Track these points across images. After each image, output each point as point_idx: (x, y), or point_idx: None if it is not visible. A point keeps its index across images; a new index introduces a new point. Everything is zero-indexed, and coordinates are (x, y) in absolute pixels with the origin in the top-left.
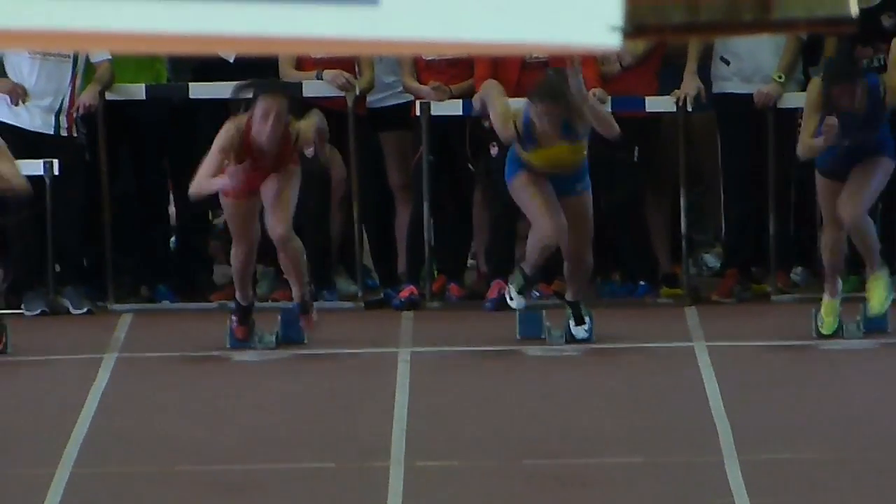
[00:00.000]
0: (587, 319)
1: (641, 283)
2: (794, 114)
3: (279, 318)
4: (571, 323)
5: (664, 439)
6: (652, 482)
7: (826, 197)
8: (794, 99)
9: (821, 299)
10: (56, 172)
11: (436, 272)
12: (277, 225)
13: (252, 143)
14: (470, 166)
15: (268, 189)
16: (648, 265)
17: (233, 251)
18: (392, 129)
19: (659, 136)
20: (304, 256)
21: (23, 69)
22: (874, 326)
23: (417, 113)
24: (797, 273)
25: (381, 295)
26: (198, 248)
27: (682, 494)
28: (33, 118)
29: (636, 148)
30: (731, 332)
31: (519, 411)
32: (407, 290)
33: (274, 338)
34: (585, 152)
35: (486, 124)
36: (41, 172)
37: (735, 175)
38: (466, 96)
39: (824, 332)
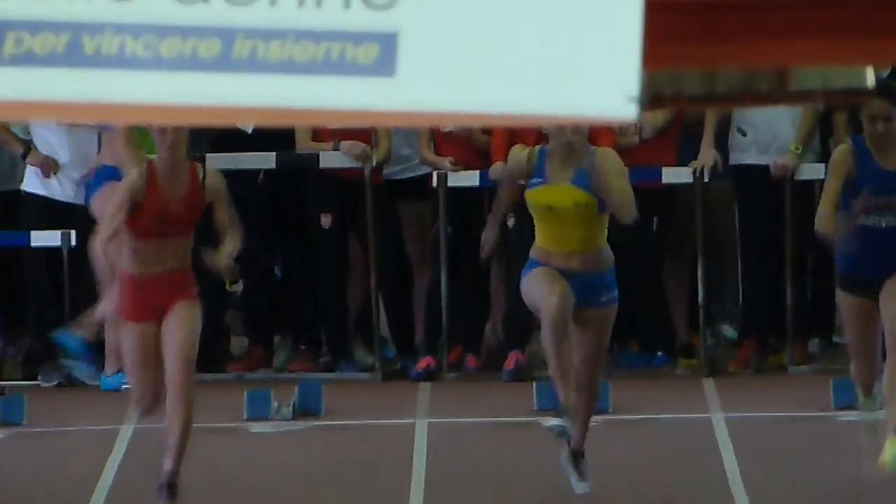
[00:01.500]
0: (588, 472)
1: (659, 353)
2: (812, 185)
3: (296, 389)
4: (573, 478)
5: None
6: None
7: (852, 316)
8: (811, 170)
9: (839, 372)
10: (73, 243)
11: (452, 343)
12: (179, 401)
13: (156, 184)
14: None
15: (169, 333)
16: (666, 335)
17: (134, 399)
18: (409, 198)
19: (677, 207)
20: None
21: (51, 140)
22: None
23: (435, 184)
24: (814, 344)
25: (399, 366)
26: (214, 319)
27: None
28: (65, 189)
29: (654, 218)
30: (747, 403)
31: (536, 482)
32: (424, 361)
33: (291, 409)
34: (605, 240)
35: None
36: (58, 243)
37: (752, 245)
38: (485, 167)
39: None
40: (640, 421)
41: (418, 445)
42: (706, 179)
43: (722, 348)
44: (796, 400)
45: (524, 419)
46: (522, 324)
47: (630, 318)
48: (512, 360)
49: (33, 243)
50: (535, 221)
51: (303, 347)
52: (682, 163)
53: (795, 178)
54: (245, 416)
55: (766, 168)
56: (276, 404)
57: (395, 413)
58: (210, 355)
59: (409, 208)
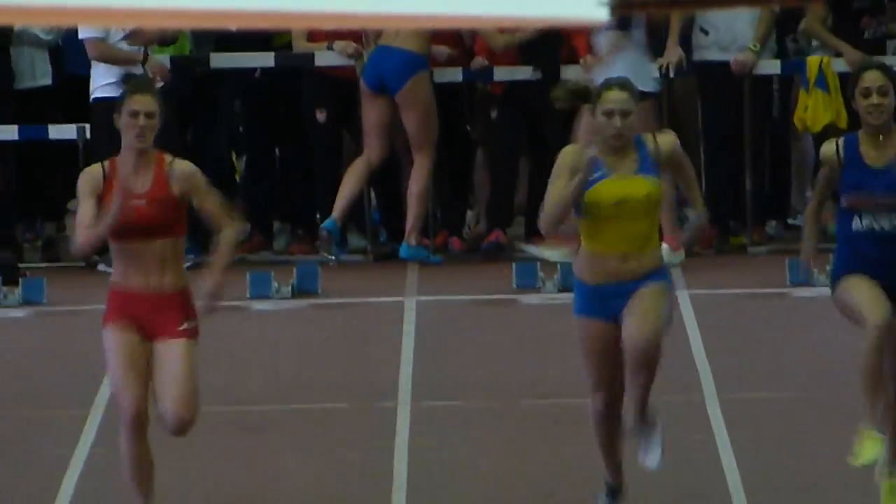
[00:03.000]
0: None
1: None
2: (770, 79)
3: (295, 270)
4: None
5: None
6: None
7: (859, 293)
8: (768, 66)
9: (794, 252)
10: (88, 136)
11: (438, 228)
12: (185, 411)
13: (117, 179)
14: (469, 128)
15: (164, 361)
16: None
17: (122, 433)
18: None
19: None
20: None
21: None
22: None
23: None
24: (771, 227)
25: (389, 249)
26: None
27: (667, 430)
28: None
29: None
30: (711, 281)
31: (516, 355)
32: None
33: (290, 289)
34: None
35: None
36: (75, 137)
37: (714, 136)
38: (466, 64)
39: (861, 461)
40: None
41: (407, 321)
42: (671, 75)
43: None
44: (755, 278)
45: (504, 296)
46: (504, 209)
47: None
48: (493, 235)
49: (51, 136)
50: (586, 224)
51: (300, 232)
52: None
53: (753, 73)
54: (248, 296)
55: (726, 64)
56: (276, 285)
57: (386, 292)
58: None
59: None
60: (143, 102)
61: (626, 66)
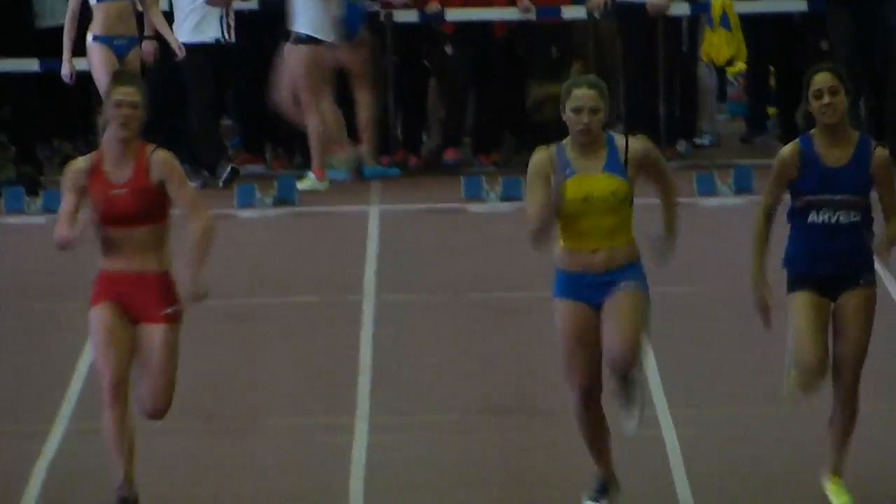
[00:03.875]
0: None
1: None
2: (679, 20)
3: (276, 183)
4: None
5: None
6: None
7: (804, 314)
8: (679, 8)
9: (702, 167)
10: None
11: (397, 147)
12: (160, 400)
13: (100, 168)
14: (426, 63)
15: (145, 347)
16: None
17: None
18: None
19: (572, 39)
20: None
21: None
22: (742, 187)
23: (382, 19)
24: (682, 145)
25: (356, 166)
26: (212, 131)
27: None
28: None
29: (553, 48)
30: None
31: (465, 256)
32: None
33: (272, 199)
34: (632, 236)
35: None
36: (86, 68)
37: (632, 69)
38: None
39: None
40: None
41: (371, 227)
42: (597, 17)
43: None
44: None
45: (455, 205)
46: (456, 130)
47: (538, 127)
48: (449, 153)
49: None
50: (559, 221)
51: (280, 151)
52: (578, 3)
53: (667, 14)
54: (236, 205)
55: (643, 7)
56: (259, 195)
57: (353, 202)
58: (211, 163)
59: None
60: (128, 93)
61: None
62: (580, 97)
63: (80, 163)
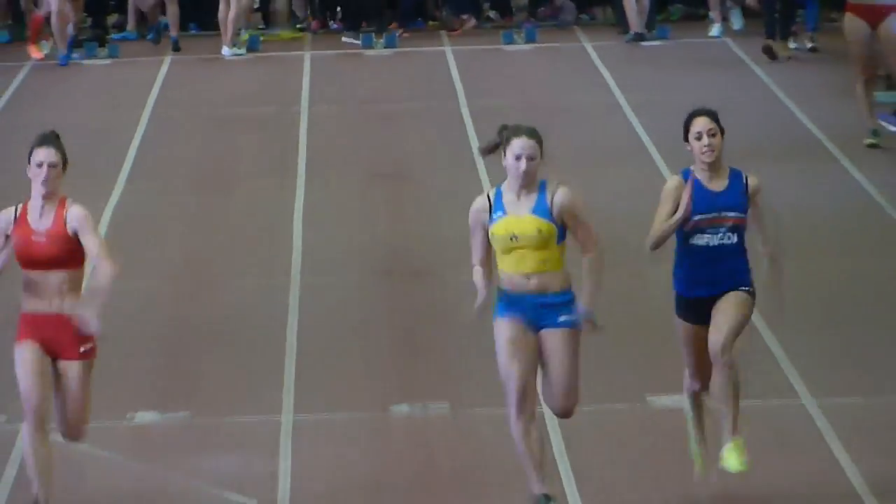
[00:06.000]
0: None
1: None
2: None
3: (247, 38)
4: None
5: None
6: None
7: (688, 340)
8: None
9: None
10: None
11: (322, 11)
12: (79, 422)
13: (25, 218)
14: None
15: (62, 382)
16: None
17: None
18: None
19: None
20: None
21: None
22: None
23: None
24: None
25: (298, 29)
26: None
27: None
28: None
29: None
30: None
31: (368, 80)
32: (315, 24)
33: (244, 49)
34: (563, 266)
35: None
36: None
37: None
38: None
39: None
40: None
41: (306, 64)
42: None
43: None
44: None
45: (357, 51)
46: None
47: None
48: (317, 23)
49: None
50: (497, 256)
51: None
52: None
53: None
54: (222, 54)
55: None
56: (236, 41)
57: (296, 50)
58: (202, 17)
59: None
60: (47, 154)
61: None
62: (519, 146)
63: (9, 212)
